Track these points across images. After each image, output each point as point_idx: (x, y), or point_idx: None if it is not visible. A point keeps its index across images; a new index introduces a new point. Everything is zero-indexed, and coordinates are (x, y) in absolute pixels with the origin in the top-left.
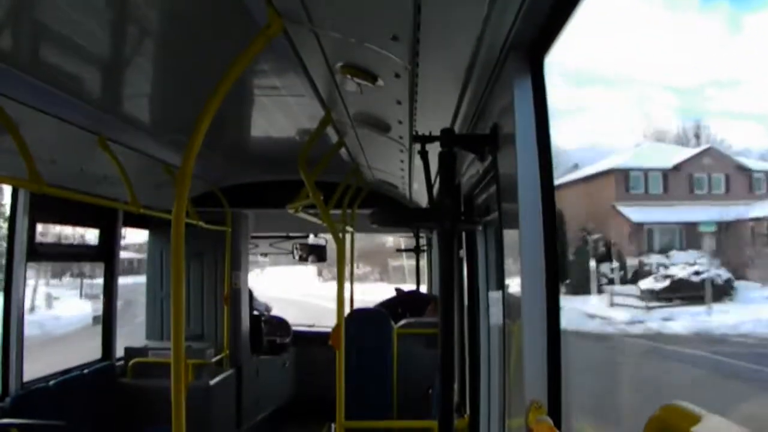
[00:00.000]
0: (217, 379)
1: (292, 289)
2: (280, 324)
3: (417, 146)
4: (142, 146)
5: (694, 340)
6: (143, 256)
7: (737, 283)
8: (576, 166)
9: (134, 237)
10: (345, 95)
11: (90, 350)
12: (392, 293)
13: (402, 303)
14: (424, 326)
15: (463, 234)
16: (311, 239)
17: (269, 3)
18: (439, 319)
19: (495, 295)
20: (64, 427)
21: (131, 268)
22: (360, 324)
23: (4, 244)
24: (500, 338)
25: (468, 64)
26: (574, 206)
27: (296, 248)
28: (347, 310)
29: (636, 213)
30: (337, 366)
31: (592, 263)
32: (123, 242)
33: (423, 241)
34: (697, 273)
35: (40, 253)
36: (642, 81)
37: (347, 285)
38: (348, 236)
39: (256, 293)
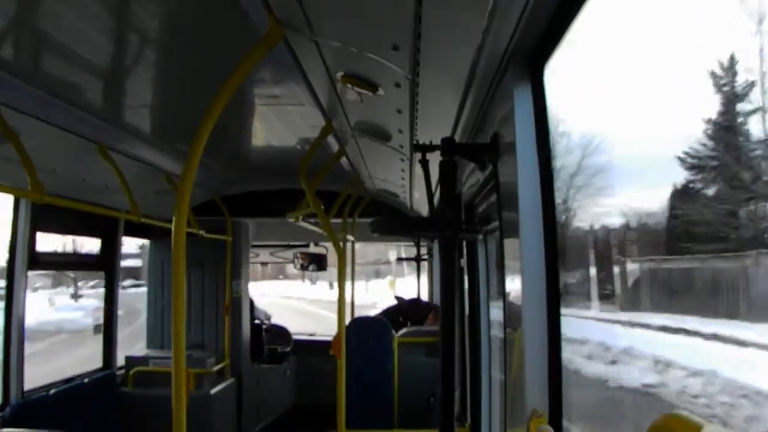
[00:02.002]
0: (217, 388)
1: None
2: (281, 333)
3: (418, 155)
4: (143, 155)
5: None
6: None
7: None
8: None
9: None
10: (346, 104)
11: None
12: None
13: (403, 312)
14: (424, 335)
15: (464, 243)
16: (312, 248)
17: (270, 12)
18: (439, 327)
19: (496, 304)
20: None
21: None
22: (361, 333)
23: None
24: (501, 347)
25: (468, 73)
26: None
27: (297, 257)
28: (348, 318)
29: None
30: (337, 375)
31: None
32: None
33: (424, 250)
34: None
35: (40, 262)
36: None
37: (348, 293)
38: (348, 245)
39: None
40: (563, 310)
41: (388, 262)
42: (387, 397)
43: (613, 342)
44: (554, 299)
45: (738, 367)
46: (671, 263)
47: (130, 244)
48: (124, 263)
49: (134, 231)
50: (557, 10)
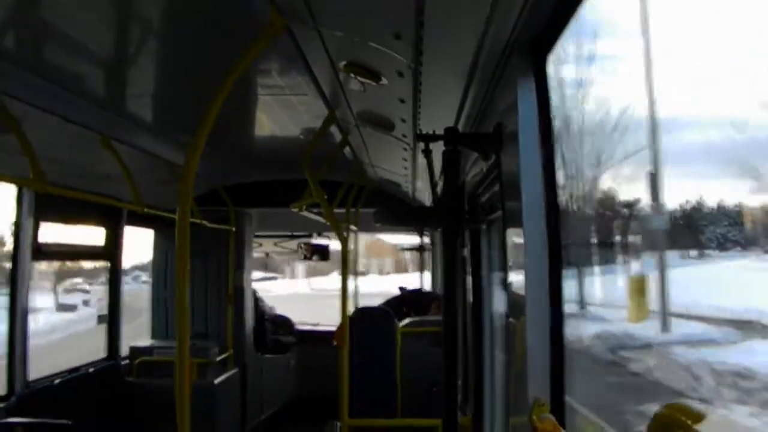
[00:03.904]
0: (221, 378)
1: None
2: (285, 323)
3: (421, 145)
4: (146, 145)
5: None
6: None
7: None
8: None
9: None
10: (349, 94)
11: None
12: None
13: (406, 301)
14: (428, 325)
15: (467, 232)
16: (315, 238)
17: (272, 2)
18: (442, 317)
19: (498, 294)
20: (68, 426)
21: None
22: (364, 323)
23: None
24: (504, 336)
25: (471, 62)
26: None
27: (300, 247)
28: (351, 308)
29: None
30: (341, 364)
31: None
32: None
33: (427, 240)
34: None
35: (44, 252)
36: None
37: (351, 283)
38: (352, 235)
39: None
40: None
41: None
42: (390, 386)
43: None
44: (557, 289)
45: None
46: None
47: None
48: None
49: (138, 221)
50: (560, 0)
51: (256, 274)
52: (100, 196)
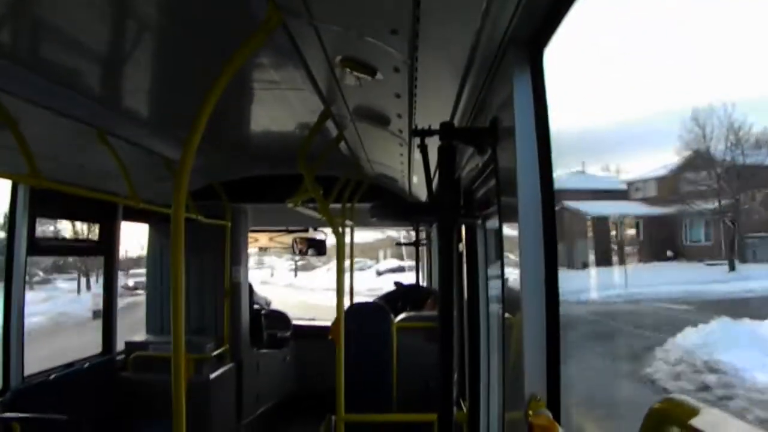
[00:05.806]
0: (217, 373)
1: None
2: (280, 318)
3: (416, 140)
4: (142, 141)
5: None
6: None
7: None
8: None
9: None
10: (344, 89)
11: None
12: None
13: (402, 297)
14: (423, 320)
15: (463, 228)
16: (311, 233)
17: None
18: (438, 312)
19: (494, 289)
20: (64, 421)
21: None
22: (359, 318)
23: None
24: (500, 332)
25: (467, 57)
26: None
27: (296, 242)
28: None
29: None
30: (337, 360)
31: None
32: None
33: (423, 235)
34: None
35: (40, 247)
36: None
37: (347, 278)
38: (347, 230)
39: None
40: None
41: None
42: (386, 381)
43: None
44: (553, 284)
45: None
46: None
47: None
48: None
49: (133, 216)
50: None
51: (390, 263)
52: (97, 191)
